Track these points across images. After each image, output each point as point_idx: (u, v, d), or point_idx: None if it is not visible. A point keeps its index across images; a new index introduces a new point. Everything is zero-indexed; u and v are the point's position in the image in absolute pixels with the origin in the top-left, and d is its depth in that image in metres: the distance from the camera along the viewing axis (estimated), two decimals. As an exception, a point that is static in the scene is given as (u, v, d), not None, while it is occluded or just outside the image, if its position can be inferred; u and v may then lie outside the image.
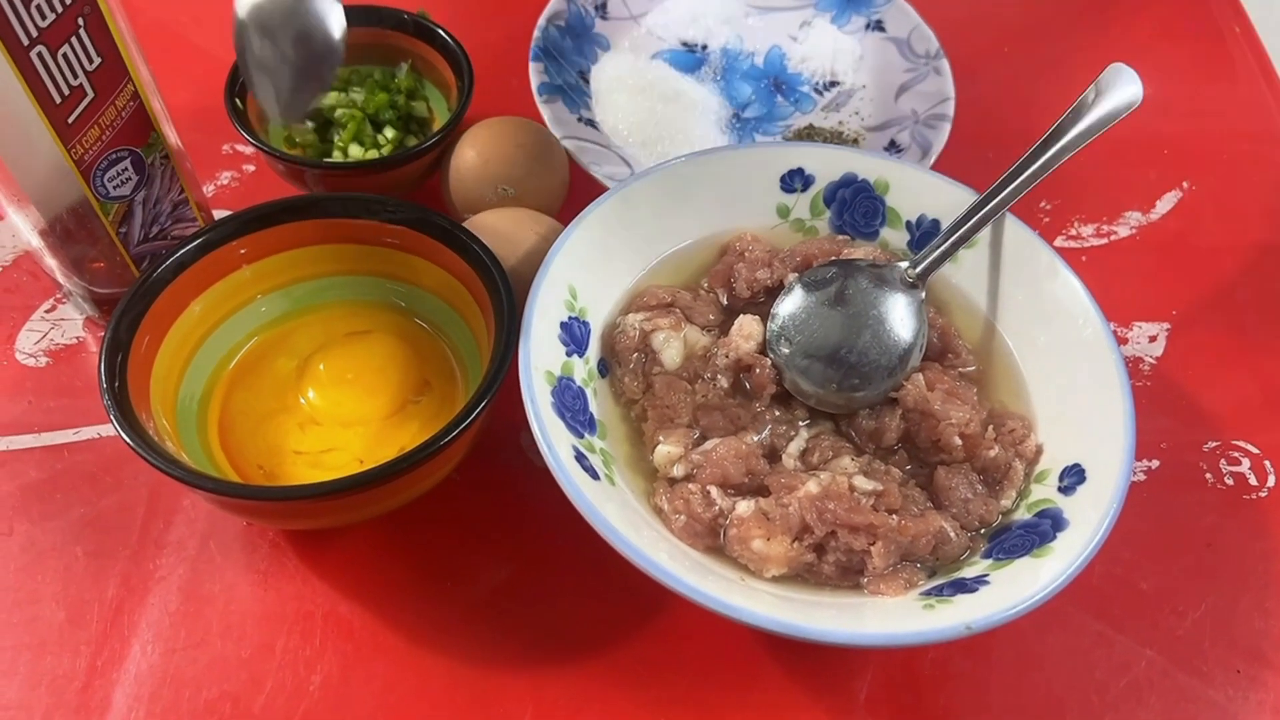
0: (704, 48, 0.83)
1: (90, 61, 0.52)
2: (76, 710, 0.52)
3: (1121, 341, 0.68)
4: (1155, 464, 0.63)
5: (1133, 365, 0.67)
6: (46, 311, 0.67)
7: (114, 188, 0.57)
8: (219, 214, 0.64)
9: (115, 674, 0.53)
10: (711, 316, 0.61)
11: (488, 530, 0.59)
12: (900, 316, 0.58)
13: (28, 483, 0.60)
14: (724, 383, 0.58)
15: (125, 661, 0.54)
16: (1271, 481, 0.62)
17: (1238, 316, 0.71)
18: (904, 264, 0.60)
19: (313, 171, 0.67)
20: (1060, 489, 0.54)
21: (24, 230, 0.59)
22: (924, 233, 0.63)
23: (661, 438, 0.56)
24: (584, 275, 0.59)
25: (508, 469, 0.61)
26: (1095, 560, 0.49)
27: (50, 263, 0.61)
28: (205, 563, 0.57)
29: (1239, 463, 0.63)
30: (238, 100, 0.68)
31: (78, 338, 0.66)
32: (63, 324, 0.66)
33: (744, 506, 0.53)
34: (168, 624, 0.55)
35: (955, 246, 0.60)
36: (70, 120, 0.52)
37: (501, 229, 0.61)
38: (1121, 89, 0.60)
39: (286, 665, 0.54)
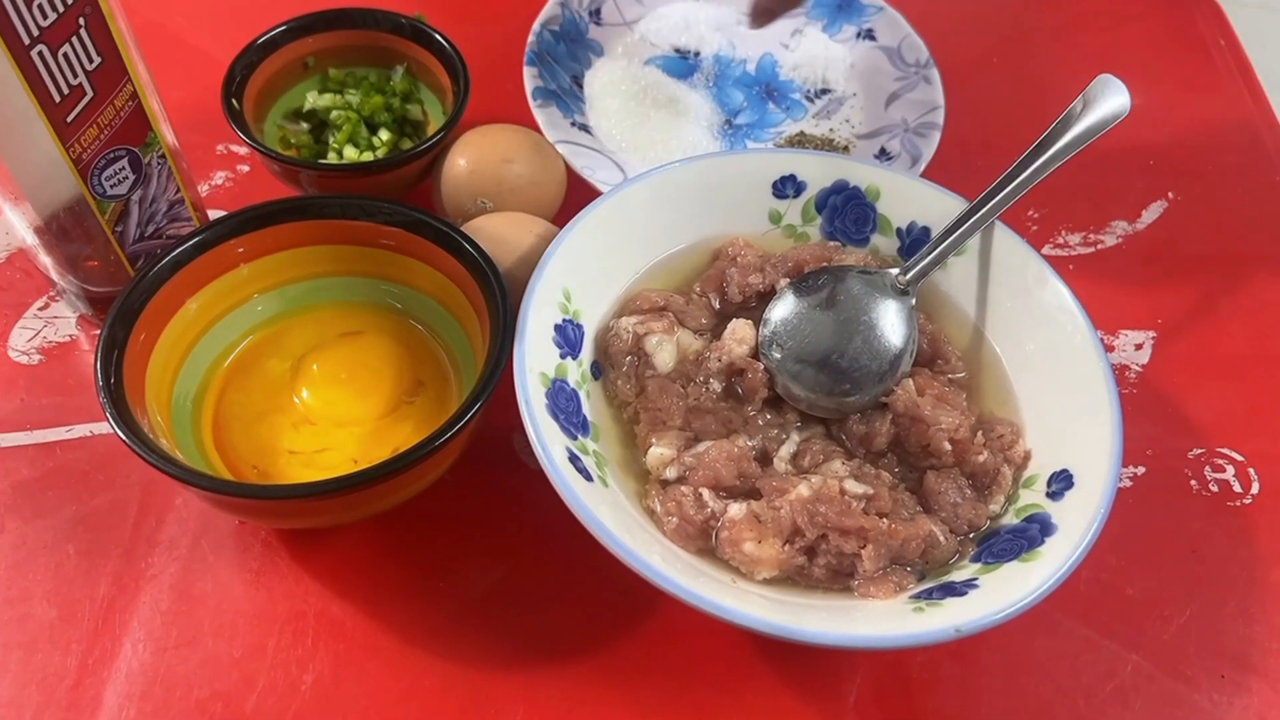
0: (696, 54, 0.84)
1: (90, 61, 0.52)
2: (67, 708, 0.52)
3: (1108, 349, 0.69)
4: (1141, 470, 0.64)
5: (1119, 373, 0.68)
6: (40, 309, 0.67)
7: (111, 186, 0.57)
8: (214, 214, 0.64)
9: (106, 672, 0.53)
10: (704, 320, 0.61)
11: (481, 531, 0.59)
12: (891, 322, 0.59)
13: (19, 480, 0.60)
14: (716, 386, 0.58)
15: (116, 660, 0.54)
16: (1255, 489, 0.63)
17: (1222, 325, 0.71)
18: (894, 270, 0.61)
19: (307, 172, 0.67)
20: (1048, 494, 0.54)
21: (19, 227, 0.59)
22: (914, 240, 0.64)
23: (654, 440, 0.56)
24: (578, 278, 0.59)
25: (501, 470, 0.61)
26: (1082, 565, 0.49)
27: (44, 260, 0.61)
28: (197, 561, 0.57)
29: (1223, 470, 0.64)
30: (234, 100, 0.68)
31: (70, 336, 0.66)
32: (56, 322, 0.66)
33: (735, 509, 0.53)
34: (159, 622, 0.55)
35: (945, 254, 0.60)
36: (69, 119, 0.52)
37: (497, 232, 0.62)
38: (1109, 100, 0.61)
39: (278, 665, 0.54)
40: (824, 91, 0.83)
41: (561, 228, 0.59)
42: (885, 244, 0.65)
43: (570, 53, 0.81)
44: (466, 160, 0.67)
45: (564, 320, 0.58)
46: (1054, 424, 0.57)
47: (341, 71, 0.74)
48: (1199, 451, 0.65)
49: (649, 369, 0.59)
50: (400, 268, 0.62)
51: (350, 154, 0.71)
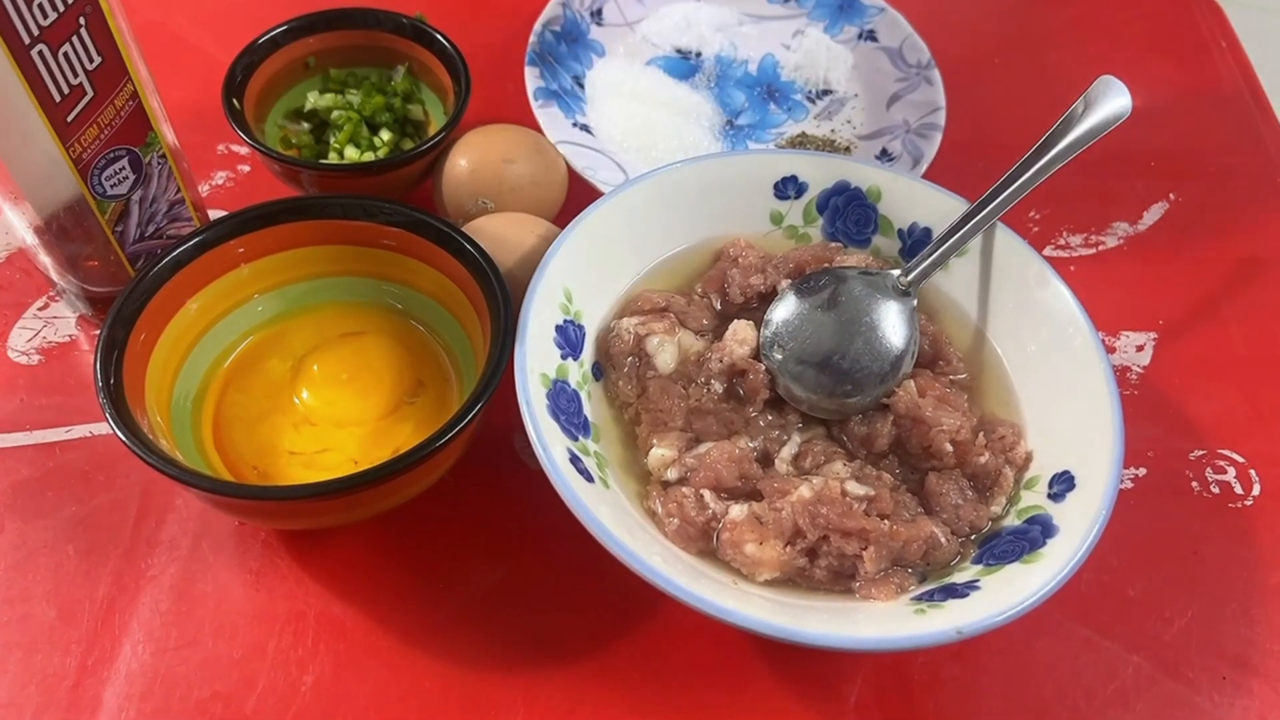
0: (698, 55, 0.84)
1: (90, 61, 0.52)
2: (67, 709, 0.52)
3: (1109, 350, 0.69)
4: (1142, 472, 0.64)
5: (1120, 374, 0.68)
6: (39, 309, 0.67)
7: (111, 186, 0.57)
8: (214, 214, 0.64)
9: (106, 673, 0.53)
10: (705, 321, 0.61)
11: (482, 532, 0.59)
12: (892, 324, 0.59)
13: (19, 480, 0.60)
14: (717, 387, 0.58)
15: (116, 660, 0.54)
16: (1256, 490, 0.63)
17: (1223, 327, 0.71)
18: (896, 272, 0.61)
19: (308, 172, 0.67)
20: (1050, 495, 0.54)
21: (19, 227, 0.59)
22: (915, 241, 0.64)
23: (655, 441, 0.56)
24: (579, 279, 0.59)
25: (502, 471, 0.61)
26: (1083, 567, 0.49)
27: (44, 260, 0.61)
28: (197, 562, 0.57)
29: (1225, 471, 0.64)
30: (235, 100, 0.68)
31: (70, 336, 0.66)
32: (56, 322, 0.66)
33: (737, 510, 0.53)
34: (159, 623, 0.55)
35: (946, 255, 0.60)
36: (69, 119, 0.52)
37: (498, 232, 0.62)
38: (1110, 101, 0.61)
39: (278, 665, 0.54)
40: (825, 92, 0.83)
41: (563, 228, 0.59)
42: (887, 245, 0.65)
43: (572, 53, 0.81)
44: (468, 160, 0.67)
45: (565, 321, 0.58)
46: (1055, 425, 0.57)
47: (343, 71, 0.74)
48: (1200, 453, 0.65)
49: (650, 370, 0.58)
50: (401, 268, 0.61)
51: (351, 154, 0.71)
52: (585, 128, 0.76)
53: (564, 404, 0.55)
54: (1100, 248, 0.76)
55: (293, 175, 0.67)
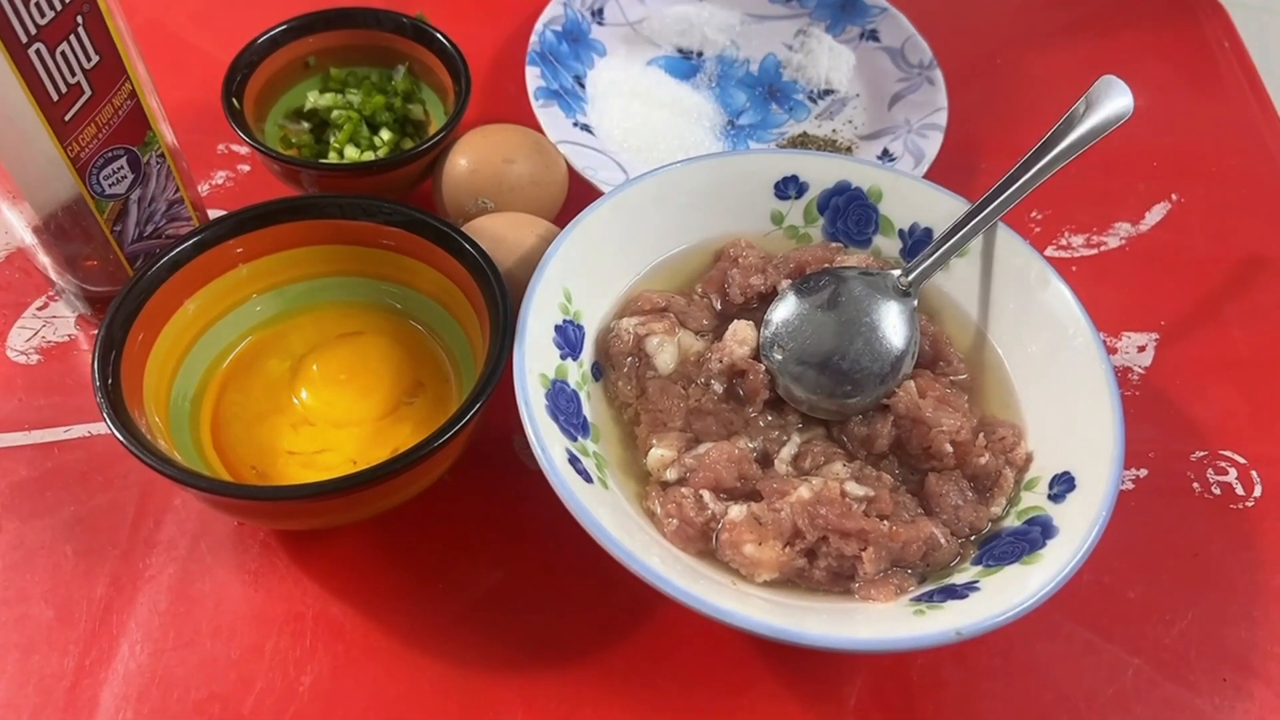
0: (699, 55, 0.84)
1: (88, 59, 0.52)
2: (64, 709, 0.52)
3: (1110, 351, 0.68)
4: (1143, 473, 0.63)
5: (1121, 375, 0.68)
6: (38, 309, 0.67)
7: (109, 186, 0.57)
8: (214, 214, 0.64)
9: (103, 673, 0.53)
10: (705, 322, 0.61)
11: (480, 532, 0.59)
12: (892, 324, 0.58)
13: (17, 480, 0.59)
14: (717, 388, 0.58)
15: (114, 661, 0.54)
16: (1258, 491, 0.63)
17: (1225, 328, 0.71)
18: (896, 272, 0.60)
19: (308, 172, 0.67)
20: (1050, 496, 0.54)
21: (17, 227, 0.59)
22: (916, 241, 0.64)
23: (655, 441, 0.56)
24: (579, 279, 0.59)
25: (501, 471, 0.61)
26: (1083, 568, 0.49)
27: (43, 260, 0.61)
28: (195, 562, 0.57)
29: (1226, 473, 0.64)
30: (234, 99, 0.68)
31: (69, 335, 0.66)
32: (54, 322, 0.66)
33: (736, 511, 0.53)
34: (157, 624, 0.55)
35: (947, 255, 0.60)
36: (67, 118, 0.52)
37: (498, 232, 0.62)
38: (1112, 101, 0.60)
39: (276, 666, 0.54)
40: (827, 92, 0.82)
41: (563, 228, 0.59)
42: (887, 245, 0.65)
43: (573, 53, 0.80)
44: (468, 160, 0.67)
45: (565, 321, 0.58)
46: (1056, 426, 0.57)
47: (343, 71, 0.74)
48: (1201, 454, 0.65)
49: (650, 370, 0.58)
50: (400, 268, 0.61)
51: (351, 154, 0.71)
52: (586, 127, 0.76)
53: (563, 404, 0.55)
54: (1102, 248, 0.75)
55: (293, 175, 0.67)
